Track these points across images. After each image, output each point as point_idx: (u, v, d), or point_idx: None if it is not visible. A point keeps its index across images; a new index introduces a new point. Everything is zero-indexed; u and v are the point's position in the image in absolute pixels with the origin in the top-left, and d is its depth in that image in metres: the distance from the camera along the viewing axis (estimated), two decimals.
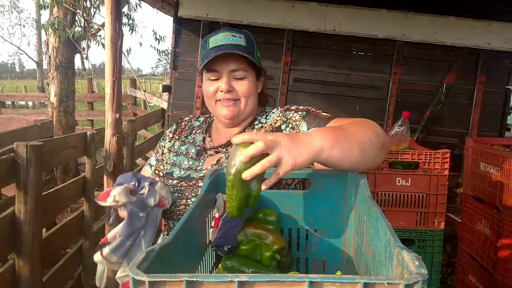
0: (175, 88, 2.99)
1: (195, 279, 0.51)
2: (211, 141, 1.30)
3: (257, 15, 2.84)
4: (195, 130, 1.36)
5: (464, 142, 2.43)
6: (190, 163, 1.25)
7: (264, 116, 1.29)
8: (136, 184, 1.02)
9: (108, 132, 2.61)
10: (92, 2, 6.53)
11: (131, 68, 8.50)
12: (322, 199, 1.00)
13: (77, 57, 6.56)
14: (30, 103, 14.65)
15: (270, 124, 1.24)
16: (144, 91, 9.01)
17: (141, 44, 7.74)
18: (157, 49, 8.17)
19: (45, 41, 6.80)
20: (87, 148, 3.14)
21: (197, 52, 2.92)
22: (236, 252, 0.91)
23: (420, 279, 0.51)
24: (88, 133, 3.18)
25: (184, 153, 1.29)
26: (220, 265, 0.94)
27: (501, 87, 2.97)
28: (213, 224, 0.94)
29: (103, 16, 6.88)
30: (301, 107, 1.23)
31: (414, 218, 1.96)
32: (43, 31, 7.12)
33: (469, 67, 2.93)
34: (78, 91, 7.53)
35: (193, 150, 1.29)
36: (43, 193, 2.36)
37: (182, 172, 1.24)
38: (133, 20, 7.35)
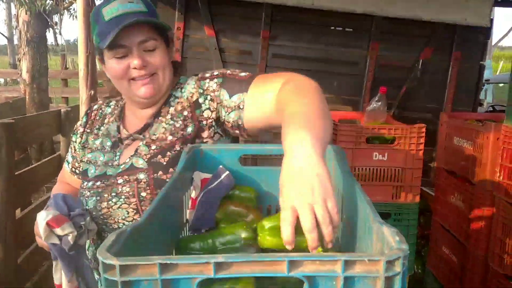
0: None
1: (169, 262, 0.49)
2: (125, 128, 1.14)
3: None
4: (107, 119, 1.19)
5: (438, 118, 2.47)
6: (106, 158, 1.11)
7: (179, 90, 1.14)
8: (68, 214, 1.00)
9: (83, 109, 2.54)
10: None
11: None
12: None
13: (50, 32, 6.32)
14: (1, 80, 14.09)
15: (187, 98, 1.10)
16: None
17: None
18: None
19: (15, 15, 6.50)
20: (61, 126, 3.06)
21: (173, 26, 2.85)
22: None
23: (401, 255, 0.51)
24: (62, 110, 3.10)
25: (99, 148, 1.14)
26: None
27: (476, 63, 3.01)
28: (190, 204, 0.93)
29: None
30: (215, 73, 1.11)
31: (391, 192, 2.00)
32: (12, 5, 6.80)
33: (445, 43, 2.95)
34: (51, 67, 7.25)
35: (108, 143, 1.13)
36: (16, 173, 2.29)
37: (98, 171, 1.10)
38: None
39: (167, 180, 1.00)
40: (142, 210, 1.03)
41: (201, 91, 1.09)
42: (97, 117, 1.20)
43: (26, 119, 2.78)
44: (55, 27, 6.56)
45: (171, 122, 1.09)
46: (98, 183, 1.08)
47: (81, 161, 1.18)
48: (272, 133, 1.88)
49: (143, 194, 1.03)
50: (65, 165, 1.27)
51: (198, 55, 2.93)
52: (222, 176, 0.94)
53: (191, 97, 1.10)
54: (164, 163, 1.04)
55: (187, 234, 0.92)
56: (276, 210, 1.02)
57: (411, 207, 2.01)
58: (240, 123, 1.04)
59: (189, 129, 1.07)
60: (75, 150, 1.22)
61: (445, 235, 2.20)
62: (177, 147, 1.05)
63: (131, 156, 1.07)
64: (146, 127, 1.11)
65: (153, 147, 1.07)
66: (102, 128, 1.17)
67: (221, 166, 0.96)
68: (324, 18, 2.90)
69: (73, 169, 1.23)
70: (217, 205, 0.91)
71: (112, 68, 1.06)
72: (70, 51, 10.60)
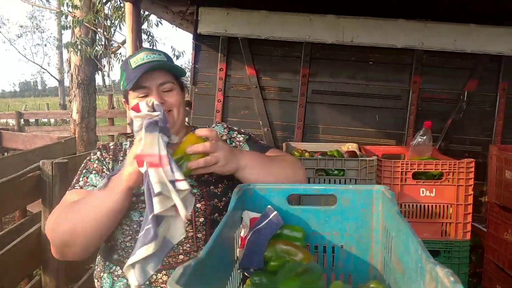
0: (195, 103, 3.03)
1: None
2: None
3: (275, 29, 2.87)
4: (129, 151, 1.25)
5: (487, 150, 2.39)
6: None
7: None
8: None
9: None
10: (112, 21, 6.70)
11: None
12: (348, 215, 0.99)
13: (99, 75, 6.73)
14: (52, 120, 15.02)
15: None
16: None
17: None
18: None
19: (67, 59, 6.99)
20: None
21: (216, 67, 2.97)
22: (265, 268, 0.91)
23: None
24: None
25: None
26: (248, 281, 0.94)
27: None
28: (239, 243, 0.94)
29: (123, 34, 7.05)
30: (242, 130, 1.39)
31: (440, 229, 1.93)
32: (64, 50, 7.33)
33: (490, 73, 2.89)
34: (98, 107, 7.68)
35: None
36: None
37: (135, 190, 1.13)
38: (152, 36, 7.50)
39: (218, 192, 1.23)
40: (196, 221, 1.19)
41: (230, 136, 1.35)
42: (117, 150, 1.31)
43: (77, 158, 2.93)
44: (104, 70, 6.97)
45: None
46: (139, 197, 1.17)
47: None
48: (315, 172, 1.89)
49: (198, 205, 1.20)
50: (87, 189, 1.20)
51: (239, 93, 3.02)
52: (271, 216, 0.95)
53: (221, 137, 1.30)
54: (213, 180, 1.25)
55: (237, 272, 0.93)
56: (323, 249, 1.02)
57: (461, 244, 1.92)
58: (228, 183, 1.26)
59: None
60: (107, 173, 1.22)
61: (499, 273, 2.07)
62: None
63: None
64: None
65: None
66: (126, 155, 1.27)
67: (269, 206, 0.98)
68: (363, 53, 2.93)
69: None
70: (266, 245, 0.93)
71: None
72: (116, 91, 11.17)
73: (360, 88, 2.97)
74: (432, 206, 1.90)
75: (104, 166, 1.25)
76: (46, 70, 23.71)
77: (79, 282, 2.64)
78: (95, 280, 1.26)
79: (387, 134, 2.97)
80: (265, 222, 0.95)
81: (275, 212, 0.96)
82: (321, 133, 2.99)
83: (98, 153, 1.29)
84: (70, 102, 6.28)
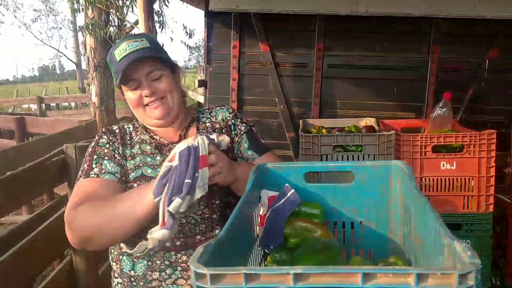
0: (210, 82, 3.03)
1: (253, 272, 0.54)
2: (162, 138, 1.29)
3: (287, 2, 2.81)
4: (134, 133, 1.31)
5: (510, 120, 2.32)
6: (158, 158, 1.22)
7: (207, 112, 1.38)
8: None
9: None
10: (124, 1, 6.67)
11: None
12: (366, 191, 1.00)
13: None
14: (72, 104, 15.28)
15: (221, 120, 1.35)
16: None
17: (172, 39, 7.85)
18: (188, 45, 8.17)
19: (82, 42, 7.04)
20: None
21: (230, 45, 2.94)
22: (285, 245, 0.93)
23: (474, 269, 0.52)
24: None
25: (139, 153, 1.25)
26: (268, 257, 0.96)
27: None
28: (259, 221, 0.96)
29: (135, 14, 7.02)
30: (244, 120, 1.39)
31: (461, 202, 1.90)
32: (79, 33, 7.36)
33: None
34: (116, 89, 7.74)
35: (147, 147, 1.25)
36: None
37: (160, 169, 1.12)
38: (163, 16, 7.45)
39: None
40: (212, 203, 1.22)
41: (234, 122, 1.35)
42: (122, 133, 1.30)
43: None
44: None
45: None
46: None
47: (128, 168, 1.23)
48: (332, 149, 1.88)
49: (214, 188, 1.18)
50: (106, 176, 1.19)
51: (254, 71, 3.00)
52: (289, 194, 0.97)
53: (227, 121, 1.34)
54: None
55: (257, 249, 0.95)
56: (342, 225, 1.03)
57: (484, 217, 1.90)
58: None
59: (230, 144, 1.27)
60: (120, 159, 1.22)
61: None
62: (227, 155, 1.23)
63: None
64: (182, 137, 1.28)
65: None
66: (134, 138, 1.29)
67: (287, 185, 0.99)
68: (379, 24, 2.86)
69: (123, 178, 1.21)
70: (285, 222, 0.94)
71: (129, 98, 1.24)
72: None
73: (377, 60, 2.91)
74: (453, 179, 1.87)
75: (115, 151, 1.24)
76: (63, 53, 23.97)
77: (108, 262, 2.74)
78: (113, 264, 1.28)
79: (406, 107, 2.92)
80: (283, 200, 0.96)
81: (293, 190, 0.97)
82: (339, 108, 2.96)
83: (105, 136, 1.27)
84: (89, 86, 6.35)
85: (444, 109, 2.07)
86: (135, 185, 1.20)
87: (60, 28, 29.87)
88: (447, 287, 0.52)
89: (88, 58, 6.25)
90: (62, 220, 1.18)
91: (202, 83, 3.12)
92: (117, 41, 1.33)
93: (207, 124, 1.34)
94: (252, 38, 2.96)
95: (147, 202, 1.04)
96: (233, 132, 1.34)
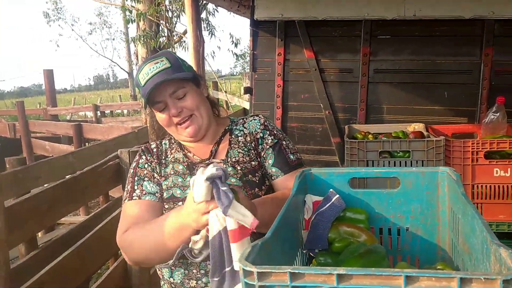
0: (256, 89, 3.08)
1: (297, 271, 0.56)
2: (195, 155, 1.31)
3: (331, 9, 2.82)
4: (169, 151, 1.33)
5: None
6: (189, 179, 1.19)
7: (241, 123, 1.35)
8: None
9: None
10: (173, 13, 6.92)
11: (212, 70, 8.85)
12: (413, 197, 0.99)
13: None
14: (125, 111, 16.00)
15: (251, 133, 1.31)
16: (226, 92, 9.34)
17: (219, 48, 8.06)
18: (234, 53, 8.35)
19: (134, 52, 7.37)
20: None
21: (274, 52, 2.99)
22: (329, 249, 0.95)
23: None
24: None
25: (172, 173, 1.27)
26: (313, 261, 0.98)
27: None
28: (304, 225, 0.99)
29: (184, 24, 7.27)
30: (274, 131, 1.33)
31: None
32: (131, 43, 7.71)
33: None
34: None
35: (180, 167, 1.28)
36: None
37: (188, 191, 1.15)
38: (211, 25, 7.65)
39: (262, 195, 1.21)
40: None
41: (262, 135, 1.31)
42: (159, 152, 1.33)
43: None
44: None
45: (245, 148, 1.29)
46: None
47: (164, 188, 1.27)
48: (379, 155, 1.87)
49: None
50: (147, 197, 1.24)
51: (298, 77, 3.03)
52: (333, 199, 0.98)
53: (256, 134, 1.31)
54: (257, 181, 1.24)
55: (303, 252, 0.97)
56: (388, 231, 1.02)
57: None
58: (269, 183, 1.27)
59: (259, 159, 1.29)
60: (159, 178, 1.27)
61: None
62: (259, 170, 1.26)
63: None
64: (214, 153, 1.29)
65: (239, 168, 1.24)
66: (168, 158, 1.31)
67: (331, 190, 1.00)
68: (428, 27, 2.79)
69: (162, 197, 1.26)
70: (329, 227, 0.96)
71: (160, 118, 1.27)
72: None
73: (426, 64, 2.84)
74: (507, 186, 1.79)
75: (153, 171, 1.28)
76: (116, 63, 25.23)
77: None
78: (157, 270, 1.33)
79: (457, 111, 2.82)
80: (328, 205, 0.98)
81: (337, 195, 0.99)
82: (385, 114, 2.92)
83: (144, 157, 1.31)
84: None
85: (498, 113, 1.98)
86: (166, 205, 1.24)
87: (114, 39, 31.40)
88: None
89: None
90: (116, 222, 1.27)
91: (247, 90, 3.19)
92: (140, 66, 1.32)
93: (239, 139, 1.31)
94: (297, 45, 2.98)
95: (187, 230, 1.05)
96: (260, 146, 1.30)
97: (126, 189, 1.30)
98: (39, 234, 4.03)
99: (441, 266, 0.85)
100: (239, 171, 1.24)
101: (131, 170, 1.31)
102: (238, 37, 7.87)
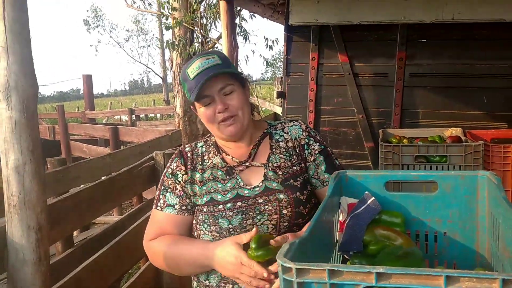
0: (288, 93, 3.10)
1: (336, 269, 0.57)
2: (233, 158, 1.31)
3: (367, 13, 2.80)
4: (206, 155, 1.33)
5: None
6: (229, 184, 1.25)
7: (280, 128, 1.34)
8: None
9: None
10: (208, 19, 7.04)
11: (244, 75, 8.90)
12: (451, 201, 0.97)
13: None
14: (158, 115, 16.38)
15: (295, 139, 1.31)
16: (257, 96, 9.39)
17: (253, 52, 8.12)
18: (266, 60, 8.38)
19: (169, 58, 7.54)
20: None
21: (308, 57, 2.99)
22: (364, 252, 0.94)
23: None
24: None
25: (211, 178, 1.28)
26: (348, 262, 0.98)
27: None
28: (338, 227, 0.99)
29: (218, 30, 7.37)
30: (318, 137, 1.33)
31: None
32: (166, 50, 7.90)
33: None
34: None
35: (219, 173, 1.29)
36: None
37: (230, 194, 1.23)
38: (244, 30, 7.72)
39: (304, 199, 1.22)
40: (280, 226, 1.20)
41: (307, 141, 1.31)
42: (195, 156, 1.34)
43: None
44: None
45: (286, 154, 1.29)
46: (239, 203, 1.22)
47: (194, 195, 1.29)
48: (414, 159, 1.83)
49: (284, 211, 1.20)
50: (167, 210, 1.29)
51: (332, 81, 3.02)
52: (369, 202, 0.98)
53: (300, 140, 1.31)
54: (299, 185, 1.24)
55: (337, 254, 0.97)
56: (425, 236, 1.01)
57: None
58: (311, 188, 1.27)
59: (302, 164, 1.29)
60: (181, 188, 1.29)
61: None
62: (301, 175, 1.26)
63: (263, 180, 1.23)
64: (253, 156, 1.30)
65: (280, 172, 1.25)
66: (205, 163, 1.32)
67: (367, 192, 1.00)
68: (466, 31, 2.72)
69: (183, 208, 1.28)
70: (365, 229, 0.95)
71: (203, 114, 1.27)
72: None
73: (464, 68, 2.77)
74: None
75: (176, 183, 1.29)
76: (151, 69, 25.78)
77: None
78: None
79: (497, 116, 2.73)
80: (363, 207, 0.98)
81: (373, 198, 0.98)
82: (421, 118, 2.86)
83: (174, 164, 1.32)
84: (174, 98, 6.77)
85: None
86: (205, 209, 1.26)
87: (149, 46, 32.25)
88: None
89: (174, 73, 6.68)
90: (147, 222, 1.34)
91: (280, 94, 3.20)
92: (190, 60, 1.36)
93: (281, 144, 1.32)
94: (331, 49, 2.98)
95: (210, 262, 1.16)
96: (306, 152, 1.30)
97: (156, 193, 1.35)
98: (75, 232, 4.17)
99: (480, 271, 0.84)
100: (281, 176, 1.24)
101: (162, 177, 1.35)
102: (276, 38, 7.88)
